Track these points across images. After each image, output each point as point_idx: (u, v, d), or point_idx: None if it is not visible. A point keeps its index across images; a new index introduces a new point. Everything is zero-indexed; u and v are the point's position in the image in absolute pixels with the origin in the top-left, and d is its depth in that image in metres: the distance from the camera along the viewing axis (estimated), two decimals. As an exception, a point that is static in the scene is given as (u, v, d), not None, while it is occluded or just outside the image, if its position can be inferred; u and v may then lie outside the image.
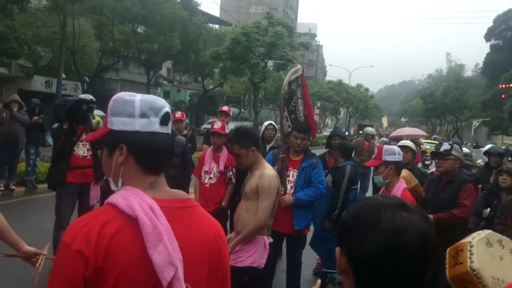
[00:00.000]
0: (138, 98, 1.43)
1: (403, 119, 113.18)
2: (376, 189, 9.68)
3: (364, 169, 9.73)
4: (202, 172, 5.62)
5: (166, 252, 1.28)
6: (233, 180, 5.60)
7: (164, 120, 1.43)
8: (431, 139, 38.26)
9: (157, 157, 1.43)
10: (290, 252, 4.97)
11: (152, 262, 1.26)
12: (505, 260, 2.32)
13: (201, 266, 1.42)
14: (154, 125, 1.41)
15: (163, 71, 44.89)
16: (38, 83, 27.97)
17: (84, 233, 1.27)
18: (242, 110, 45.23)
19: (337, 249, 1.18)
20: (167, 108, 1.45)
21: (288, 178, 4.78)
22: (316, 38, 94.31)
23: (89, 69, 30.63)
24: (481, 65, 56.20)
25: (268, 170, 3.59)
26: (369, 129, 11.91)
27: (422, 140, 27.08)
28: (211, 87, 42.95)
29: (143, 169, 1.42)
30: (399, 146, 6.11)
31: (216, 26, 43.01)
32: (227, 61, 31.86)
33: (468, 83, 62.40)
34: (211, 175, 5.58)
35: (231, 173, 5.59)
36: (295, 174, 4.78)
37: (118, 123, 1.41)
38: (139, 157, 1.41)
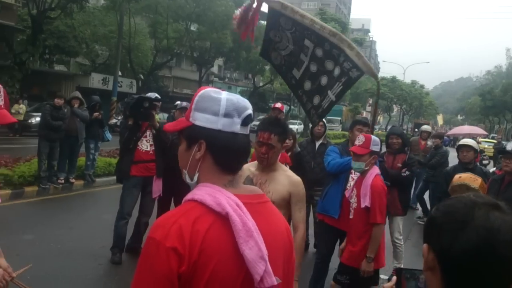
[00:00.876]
0: (224, 96, 1.43)
1: (459, 117, 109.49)
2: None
3: (419, 169, 9.43)
4: (256, 170, 5.59)
5: (257, 248, 1.30)
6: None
7: (246, 121, 1.43)
8: (489, 138, 36.73)
9: (234, 158, 1.44)
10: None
11: (244, 257, 1.28)
12: None
13: (279, 258, 1.44)
14: (236, 125, 1.41)
15: (215, 68, 45.41)
16: (95, 80, 29.00)
17: (177, 230, 1.27)
18: (292, 107, 45.03)
19: (425, 245, 1.17)
20: (250, 109, 1.45)
21: (351, 175, 4.67)
22: (369, 34, 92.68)
23: (144, 67, 31.45)
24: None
25: (293, 174, 3.13)
26: (426, 127, 11.53)
27: (480, 139, 26.08)
28: (261, 84, 43.04)
29: (220, 168, 1.42)
30: (461, 145, 5.92)
31: (268, 23, 42.93)
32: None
33: (529, 80, 59.50)
34: (265, 172, 5.54)
35: (285, 170, 5.54)
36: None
37: (202, 119, 1.41)
38: (217, 156, 1.41)
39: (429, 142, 10.56)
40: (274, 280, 1.31)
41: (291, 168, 5.57)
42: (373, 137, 4.21)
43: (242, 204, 1.35)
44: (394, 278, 1.43)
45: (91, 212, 8.04)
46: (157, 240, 1.26)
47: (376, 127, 47.08)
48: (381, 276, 5.79)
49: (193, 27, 31.64)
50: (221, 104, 1.41)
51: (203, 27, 30.03)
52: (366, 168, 4.11)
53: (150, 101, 5.62)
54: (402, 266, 1.53)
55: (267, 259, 1.31)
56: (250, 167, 3.12)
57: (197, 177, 1.44)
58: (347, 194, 4.37)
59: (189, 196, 1.37)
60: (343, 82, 4.17)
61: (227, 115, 1.40)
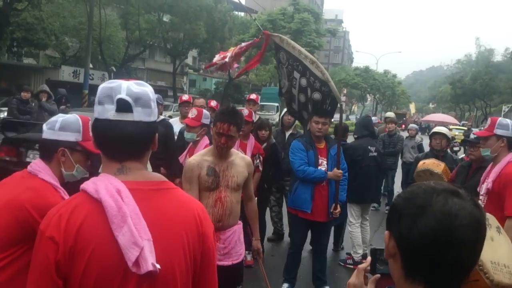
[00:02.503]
0: (103, 85, 1.42)
1: (431, 105, 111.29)
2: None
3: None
4: (229, 160, 5.58)
5: (129, 233, 1.28)
6: (260, 168, 5.55)
7: (121, 107, 1.37)
8: (459, 126, 37.49)
9: (115, 145, 1.40)
10: (318, 239, 4.93)
11: (118, 243, 1.28)
12: (496, 241, 2.26)
13: (176, 246, 1.40)
14: (108, 112, 1.37)
15: (189, 60, 45.03)
16: (65, 73, 28.42)
17: (56, 220, 1.30)
18: (267, 98, 45.05)
19: (386, 232, 1.18)
20: (122, 94, 1.37)
21: (319, 167, 4.71)
22: (342, 24, 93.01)
23: (116, 59, 30.97)
24: (511, 49, 54.67)
25: (244, 155, 3.59)
26: (389, 114, 11.52)
27: (451, 126, 26.59)
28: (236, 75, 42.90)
29: (106, 157, 1.42)
30: (434, 133, 6.01)
31: (242, 14, 42.83)
32: (253, 49, 31.72)
33: (497, 68, 60.56)
34: (238, 163, 5.54)
35: (258, 161, 5.53)
36: (325, 162, 4.70)
37: (95, 111, 1.42)
38: (98, 144, 1.42)
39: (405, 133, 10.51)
40: (150, 266, 1.28)
41: (265, 159, 5.65)
42: (204, 111, 4.72)
43: (126, 189, 1.34)
44: (369, 258, 1.45)
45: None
46: (41, 230, 1.32)
47: (351, 116, 47.43)
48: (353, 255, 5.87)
49: (165, 18, 31.27)
50: (97, 93, 1.42)
51: (176, 18, 29.70)
52: (198, 139, 4.57)
53: None
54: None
55: (144, 244, 1.29)
56: (205, 157, 3.30)
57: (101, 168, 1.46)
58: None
59: (82, 185, 1.39)
60: (329, 103, 4.69)
61: (99, 102, 1.39)
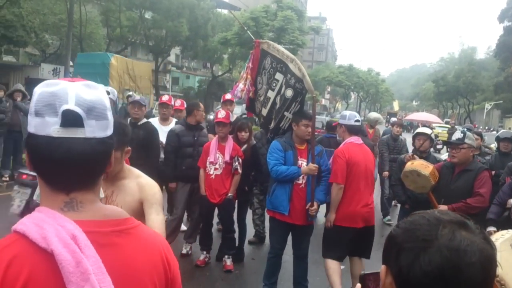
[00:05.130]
0: (40, 88, 1.07)
1: (414, 103, 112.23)
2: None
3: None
4: (207, 163, 5.46)
5: None
6: (239, 171, 5.46)
7: (69, 121, 1.03)
8: (443, 123, 37.80)
9: (61, 172, 1.05)
10: (298, 243, 4.82)
11: None
12: None
13: None
14: (50, 127, 1.03)
15: (172, 58, 44.61)
16: (45, 71, 27.87)
17: None
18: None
19: (382, 267, 1.06)
20: (70, 104, 1.04)
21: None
22: (326, 22, 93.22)
23: (97, 56, 30.51)
24: (494, 47, 55.16)
25: (145, 179, 2.57)
26: (373, 114, 10.57)
27: (434, 124, 26.74)
28: (220, 73, 42.66)
29: (49, 185, 1.07)
30: (418, 133, 5.94)
31: (225, 11, 42.56)
32: (235, 47, 31.57)
33: (480, 66, 61.27)
34: (217, 166, 5.44)
35: (237, 163, 5.43)
36: (304, 163, 4.60)
37: (29, 124, 1.08)
38: (38, 170, 1.07)
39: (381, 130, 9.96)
40: None
41: (245, 161, 5.53)
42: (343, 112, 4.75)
43: (82, 234, 1.01)
44: (359, 286, 1.29)
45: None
46: None
47: (336, 114, 47.54)
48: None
49: (147, 15, 30.89)
50: (33, 99, 1.07)
51: (158, 15, 29.35)
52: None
53: None
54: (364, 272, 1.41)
55: None
56: None
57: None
58: None
59: (16, 225, 1.04)
60: (299, 101, 4.68)
61: (37, 113, 1.04)
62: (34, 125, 1.05)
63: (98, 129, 1.08)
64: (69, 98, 1.04)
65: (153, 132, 5.71)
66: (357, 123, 4.89)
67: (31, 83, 23.88)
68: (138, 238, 1.15)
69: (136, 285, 1.11)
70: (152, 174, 4.92)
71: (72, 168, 1.05)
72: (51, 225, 1.01)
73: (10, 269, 0.96)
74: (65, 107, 1.03)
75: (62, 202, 1.07)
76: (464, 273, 0.92)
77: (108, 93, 6.25)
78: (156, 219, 2.43)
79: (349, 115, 4.93)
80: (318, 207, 4.67)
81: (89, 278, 0.98)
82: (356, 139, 4.78)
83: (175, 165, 5.69)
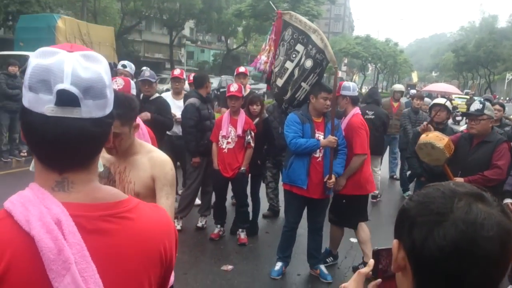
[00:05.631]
0: (35, 60, 0.98)
1: (433, 74, 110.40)
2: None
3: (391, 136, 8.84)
4: (220, 137, 5.42)
5: (74, 286, 0.93)
6: (252, 144, 5.41)
7: (64, 100, 0.96)
8: (462, 94, 37.14)
9: (54, 150, 0.99)
10: (314, 217, 4.80)
11: None
12: None
13: (140, 286, 1.08)
14: (44, 104, 0.96)
15: (186, 31, 44.40)
16: (61, 46, 28.02)
17: None
18: (267, 69, 44.65)
19: (394, 241, 1.01)
20: (66, 83, 0.96)
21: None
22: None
23: (112, 31, 30.51)
24: (516, 15, 53.66)
25: (159, 154, 2.45)
26: (398, 86, 10.11)
27: (453, 95, 26.30)
28: (234, 46, 42.38)
29: (42, 164, 1.02)
30: (434, 104, 5.82)
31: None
32: (250, 19, 31.24)
33: (502, 35, 59.65)
34: (229, 140, 5.39)
35: (249, 137, 5.38)
36: (321, 137, 4.54)
37: (24, 97, 1.01)
38: (31, 146, 1.02)
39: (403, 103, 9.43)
40: None
41: (258, 135, 5.49)
42: (130, 80, 3.93)
43: (68, 219, 0.96)
44: (372, 261, 1.26)
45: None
46: None
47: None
48: (351, 239, 5.76)
49: (161, -12, 30.70)
50: (27, 72, 0.98)
51: (172, -12, 29.17)
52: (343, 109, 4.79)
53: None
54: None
55: None
56: (104, 154, 2.39)
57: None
58: None
59: (6, 200, 1.00)
60: (318, 72, 4.62)
61: (31, 88, 0.97)
62: (28, 99, 0.98)
63: (95, 108, 1.01)
64: (64, 76, 0.96)
65: (165, 105, 5.65)
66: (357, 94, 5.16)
67: (47, 59, 23.96)
68: (132, 224, 1.08)
69: (125, 274, 1.04)
70: (166, 149, 4.98)
71: (66, 148, 0.99)
72: (37, 207, 0.96)
73: None
74: (60, 86, 0.95)
75: (54, 182, 1.02)
76: (481, 248, 0.87)
77: (125, 66, 6.18)
78: (165, 204, 2.35)
79: (353, 86, 5.07)
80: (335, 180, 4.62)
81: (70, 268, 0.93)
82: (357, 109, 4.99)
83: (196, 139, 5.66)
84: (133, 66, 6.21)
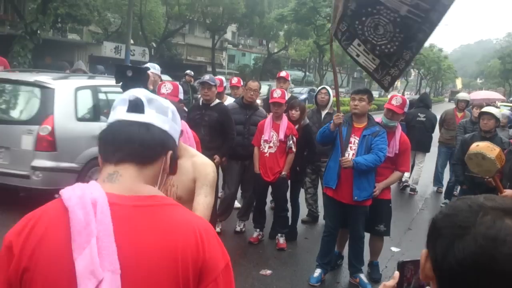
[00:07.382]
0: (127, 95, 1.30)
1: (478, 81, 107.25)
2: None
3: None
4: (262, 141, 5.45)
5: (89, 258, 1.02)
6: (294, 149, 5.40)
7: (132, 106, 1.24)
8: (508, 102, 35.84)
9: (113, 144, 1.21)
10: (351, 223, 4.74)
11: (75, 267, 1.02)
12: None
13: (157, 284, 1.09)
14: (119, 113, 1.25)
15: (228, 35, 44.81)
16: (107, 49, 28.80)
17: (22, 225, 1.12)
18: (307, 73, 44.45)
19: (423, 251, 1.03)
20: (138, 94, 1.26)
21: (350, 145, 4.55)
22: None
23: (156, 35, 31.18)
24: None
25: (201, 158, 2.51)
26: (463, 95, 9.51)
27: (499, 104, 25.44)
28: (275, 50, 42.42)
29: (102, 158, 1.23)
30: (482, 112, 5.68)
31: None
32: (292, 23, 31.25)
33: (552, 41, 57.52)
34: (271, 144, 5.41)
35: (291, 142, 5.38)
36: (357, 141, 4.51)
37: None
38: (99, 145, 1.25)
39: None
40: None
41: (298, 141, 5.47)
42: (178, 85, 3.76)
43: (105, 203, 1.08)
44: (397, 273, 1.25)
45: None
46: (7, 234, 1.13)
47: (395, 92, 46.27)
48: (393, 249, 5.68)
49: (205, -7, 31.12)
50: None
51: (215, -8, 29.50)
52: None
53: (134, 70, 5.05)
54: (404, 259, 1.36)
55: (105, 276, 1.02)
56: None
57: None
58: None
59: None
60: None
61: (113, 108, 1.29)
62: (110, 116, 1.27)
63: (157, 118, 1.25)
64: (139, 92, 1.27)
65: (226, 112, 5.60)
66: None
67: (94, 61, 24.73)
68: (160, 218, 1.15)
69: (148, 263, 1.08)
70: (224, 149, 5.23)
71: (121, 141, 1.20)
72: (81, 190, 1.11)
73: (37, 224, 1.10)
74: (132, 96, 1.25)
75: (107, 174, 1.18)
76: (499, 264, 0.85)
77: (148, 68, 6.06)
78: (203, 201, 2.39)
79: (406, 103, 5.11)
80: (353, 167, 4.39)
81: (90, 241, 1.03)
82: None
83: (222, 142, 5.59)
84: (157, 66, 6.08)
